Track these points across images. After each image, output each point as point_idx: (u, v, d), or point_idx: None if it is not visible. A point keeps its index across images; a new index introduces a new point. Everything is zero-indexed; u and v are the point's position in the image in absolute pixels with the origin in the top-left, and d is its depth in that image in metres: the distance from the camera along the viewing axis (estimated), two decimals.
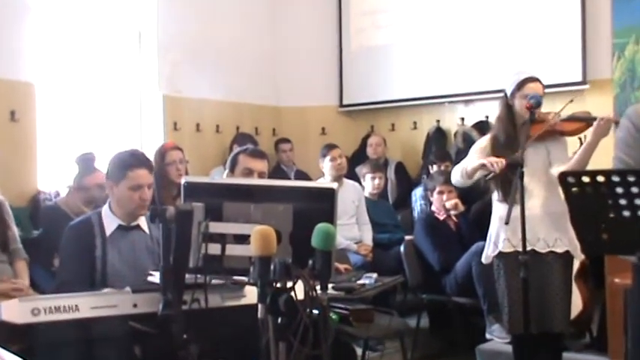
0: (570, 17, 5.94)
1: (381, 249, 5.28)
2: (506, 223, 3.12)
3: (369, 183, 5.55)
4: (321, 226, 1.92)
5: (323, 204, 2.12)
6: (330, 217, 2.08)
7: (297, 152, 6.87)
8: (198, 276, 2.07)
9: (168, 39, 6.04)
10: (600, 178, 1.98)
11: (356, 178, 5.68)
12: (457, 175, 3.52)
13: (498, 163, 3.26)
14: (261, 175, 3.16)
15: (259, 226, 1.87)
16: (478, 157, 3.47)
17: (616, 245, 2.09)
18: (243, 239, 2.00)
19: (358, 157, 6.67)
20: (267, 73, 7.08)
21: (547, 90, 3.52)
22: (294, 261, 1.88)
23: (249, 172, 3.13)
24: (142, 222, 2.88)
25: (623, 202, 1.97)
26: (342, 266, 4.16)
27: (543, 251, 3.39)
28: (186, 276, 2.06)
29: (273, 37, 7.14)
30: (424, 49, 6.72)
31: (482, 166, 3.32)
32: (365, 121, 7.23)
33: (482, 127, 6.09)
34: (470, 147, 3.72)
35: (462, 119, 6.61)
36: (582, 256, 3.52)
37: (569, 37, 5.92)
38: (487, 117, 6.29)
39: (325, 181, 5.00)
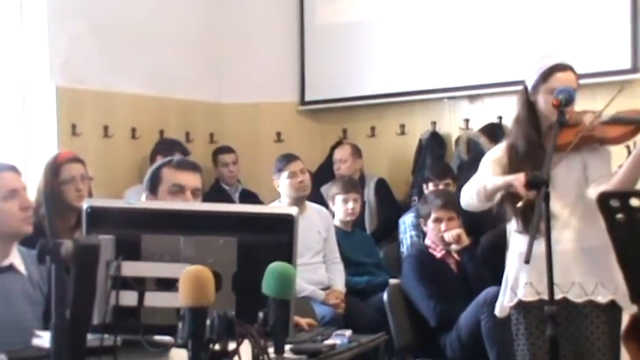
0: None
1: (358, 297, 5.29)
2: (527, 261, 3.13)
3: (341, 207, 5.56)
4: (275, 267, 1.91)
5: (278, 236, 2.12)
6: (287, 253, 2.09)
7: (244, 166, 6.85)
8: (106, 336, 2.04)
9: (63, 8, 5.98)
10: None
11: (322, 201, 5.68)
12: (469, 195, 3.53)
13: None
14: (194, 195, 3.14)
15: (191, 266, 1.86)
16: (493, 171, 3.49)
17: None
18: (168, 285, 1.99)
19: (326, 172, 6.68)
20: (205, 57, 7.06)
21: (583, 81, 3.56)
22: (238, 314, 1.88)
23: (177, 191, 3.12)
24: (16, 259, 2.85)
25: None
26: (304, 321, 4.14)
27: (579, 301, 3.41)
28: (89, 337, 2.02)
29: (212, 9, 7.13)
30: (416, 27, 6.76)
31: (510, 185, 3.33)
32: (335, 124, 7.24)
33: (493, 131, 6.14)
34: (477, 159, 3.74)
35: (467, 121, 6.67)
36: (634, 308, 3.54)
37: (613, 10, 5.97)
38: (500, 118, 6.35)
39: (282, 205, 5.02)
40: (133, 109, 6.48)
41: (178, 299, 1.84)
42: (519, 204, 3.30)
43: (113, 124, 6.35)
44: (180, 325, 1.84)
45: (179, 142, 6.43)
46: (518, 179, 3.29)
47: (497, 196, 3.48)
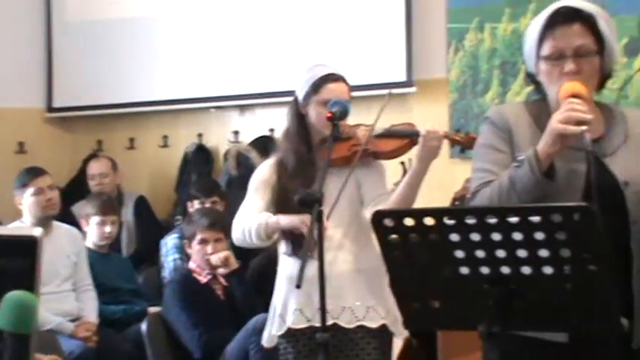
0: None
1: (112, 328, 5.24)
2: (298, 286, 3.17)
3: (95, 229, 5.48)
4: (13, 296, 1.84)
5: (18, 261, 2.03)
6: (29, 281, 2.00)
7: None
8: None
9: None
10: (429, 221, 2.07)
11: (72, 221, 5.60)
12: (245, 233, 3.53)
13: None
14: None
15: None
16: (263, 197, 3.54)
17: (451, 315, 2.20)
18: None
19: (77, 189, 6.57)
20: None
21: (357, 93, 3.67)
22: None
23: None
24: None
25: (460, 254, 2.06)
26: (47, 357, 4.02)
27: (350, 326, 3.49)
28: None
29: None
30: (182, 29, 6.78)
31: (295, 227, 3.39)
32: (88, 135, 7.14)
33: (264, 145, 6.23)
34: (247, 174, 3.76)
35: (236, 134, 6.73)
36: (405, 333, 3.68)
37: (388, 22, 6.21)
38: (272, 130, 6.45)
39: (24, 225, 4.90)
40: None
41: None
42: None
43: None
44: None
45: None
46: (304, 222, 3.33)
47: (277, 235, 3.52)
